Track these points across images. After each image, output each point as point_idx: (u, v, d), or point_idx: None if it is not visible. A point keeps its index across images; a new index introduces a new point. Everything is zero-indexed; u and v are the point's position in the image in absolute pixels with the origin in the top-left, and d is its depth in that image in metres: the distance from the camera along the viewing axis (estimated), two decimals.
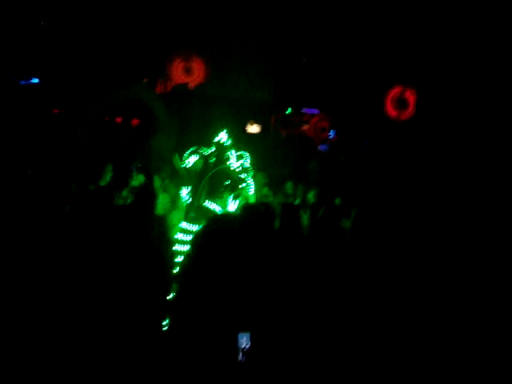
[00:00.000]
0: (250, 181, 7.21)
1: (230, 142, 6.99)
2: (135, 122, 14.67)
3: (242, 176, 7.08)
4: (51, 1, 14.41)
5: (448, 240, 5.90)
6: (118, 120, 14.80)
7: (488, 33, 13.94)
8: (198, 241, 4.04)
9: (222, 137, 6.93)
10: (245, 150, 7.41)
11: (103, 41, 15.18)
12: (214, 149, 6.90)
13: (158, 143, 12.61)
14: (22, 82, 15.17)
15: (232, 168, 6.93)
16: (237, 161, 7.10)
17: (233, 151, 7.03)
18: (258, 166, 10.82)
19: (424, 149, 13.92)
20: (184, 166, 7.01)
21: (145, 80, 15.08)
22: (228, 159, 6.94)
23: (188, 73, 15.93)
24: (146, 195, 5.52)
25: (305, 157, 14.00)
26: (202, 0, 14.92)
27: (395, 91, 16.46)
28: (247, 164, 7.29)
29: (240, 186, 6.96)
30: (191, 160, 7.00)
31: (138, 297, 4.12)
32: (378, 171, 12.84)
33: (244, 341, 3.60)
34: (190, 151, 7.06)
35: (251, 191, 7.25)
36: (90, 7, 14.65)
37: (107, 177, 7.68)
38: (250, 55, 15.81)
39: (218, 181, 6.66)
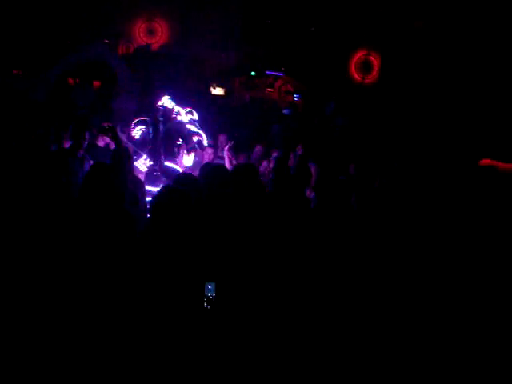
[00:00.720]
0: (202, 133, 7.36)
1: (173, 103, 7.19)
2: (96, 83, 14.42)
3: (193, 129, 7.25)
4: None
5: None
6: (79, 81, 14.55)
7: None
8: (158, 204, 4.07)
9: (165, 101, 7.14)
10: (208, 113, 7.63)
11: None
12: (159, 113, 7.06)
13: (120, 104, 12.47)
14: None
15: (182, 122, 7.16)
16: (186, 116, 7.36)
17: (181, 108, 7.28)
18: (222, 128, 10.86)
19: (388, 114, 14.00)
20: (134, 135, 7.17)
21: (106, 41, 14.79)
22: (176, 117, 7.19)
23: (151, 34, 15.71)
24: (123, 156, 5.47)
25: (268, 120, 14.00)
26: None
27: (359, 55, 16.48)
28: (196, 117, 7.51)
29: (193, 139, 7.11)
30: (137, 131, 7.22)
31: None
32: (344, 136, 12.89)
33: (210, 290, 3.75)
34: (134, 123, 7.21)
35: (204, 143, 7.40)
36: None
37: (68, 137, 7.58)
38: (215, 15, 15.62)
39: (171, 139, 6.77)
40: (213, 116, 12.31)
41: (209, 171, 5.49)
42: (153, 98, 7.65)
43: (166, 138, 6.86)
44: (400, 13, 15.27)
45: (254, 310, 4.03)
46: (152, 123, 7.10)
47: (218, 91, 15.73)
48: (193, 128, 7.35)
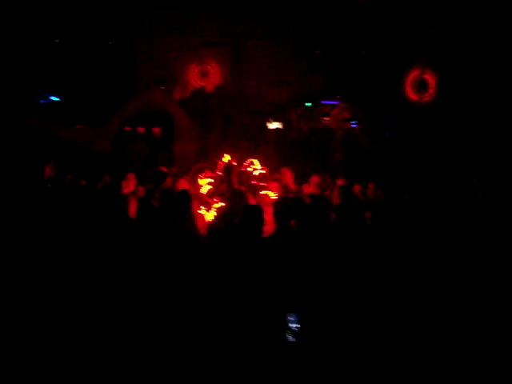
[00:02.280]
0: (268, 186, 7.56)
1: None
2: (156, 129, 14.74)
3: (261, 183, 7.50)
4: (62, 20, 14.53)
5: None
6: (140, 129, 14.90)
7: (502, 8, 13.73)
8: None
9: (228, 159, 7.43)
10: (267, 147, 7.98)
11: (117, 52, 15.31)
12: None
13: (181, 147, 12.68)
14: (43, 101, 15.33)
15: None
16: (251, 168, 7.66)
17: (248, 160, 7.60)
18: (283, 162, 10.83)
19: (447, 132, 13.76)
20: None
21: (162, 87, 15.16)
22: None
23: (204, 76, 15.99)
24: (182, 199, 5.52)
25: (329, 149, 13.94)
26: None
27: (414, 74, 16.29)
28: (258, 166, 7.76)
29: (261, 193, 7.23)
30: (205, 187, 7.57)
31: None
32: (406, 157, 12.71)
33: (293, 321, 3.66)
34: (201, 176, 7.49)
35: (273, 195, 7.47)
36: (101, 20, 14.78)
37: (130, 185, 7.72)
38: (265, 52, 15.81)
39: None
40: (273, 150, 12.38)
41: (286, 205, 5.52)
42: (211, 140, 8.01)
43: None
44: (450, 28, 15.08)
45: (340, 337, 3.94)
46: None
47: (275, 125, 15.79)
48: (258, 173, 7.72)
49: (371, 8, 14.80)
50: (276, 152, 12.56)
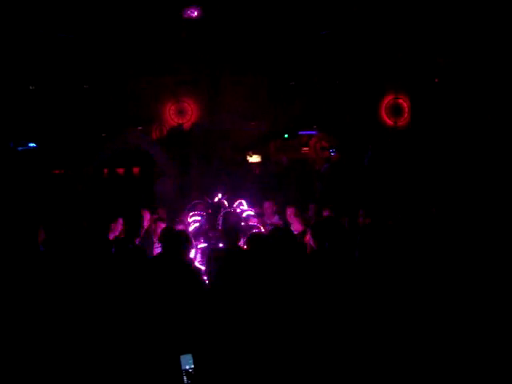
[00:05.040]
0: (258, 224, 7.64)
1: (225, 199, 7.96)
2: (136, 169, 14.71)
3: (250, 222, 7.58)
4: (36, 66, 14.56)
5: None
6: (119, 170, 14.87)
7: (474, 31, 13.96)
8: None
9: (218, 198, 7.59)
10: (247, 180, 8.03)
11: (92, 95, 15.33)
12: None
13: (161, 187, 12.63)
14: (20, 148, 15.26)
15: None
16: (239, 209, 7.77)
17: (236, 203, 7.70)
18: (265, 195, 10.84)
19: (426, 153, 13.86)
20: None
21: (139, 127, 15.18)
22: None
23: (181, 114, 16.04)
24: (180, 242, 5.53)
25: (309, 179, 13.97)
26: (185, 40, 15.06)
27: (388, 99, 16.48)
28: (246, 207, 7.86)
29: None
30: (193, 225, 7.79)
31: None
32: (386, 181, 12.77)
33: (187, 362, 3.66)
34: (190, 215, 7.53)
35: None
36: (74, 64, 14.81)
37: (118, 227, 7.65)
38: (240, 88, 15.93)
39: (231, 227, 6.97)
40: (252, 184, 12.37)
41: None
42: (191, 177, 8.04)
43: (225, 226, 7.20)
44: (420, 52, 15.31)
45: None
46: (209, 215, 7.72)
47: (254, 158, 15.86)
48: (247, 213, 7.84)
49: (341, 37, 15.00)
50: (257, 185, 12.57)
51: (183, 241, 5.48)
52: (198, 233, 7.59)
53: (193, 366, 3.65)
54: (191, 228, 7.69)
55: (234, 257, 5.47)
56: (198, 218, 7.86)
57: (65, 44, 14.46)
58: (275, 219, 8.97)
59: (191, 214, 8.01)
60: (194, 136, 15.04)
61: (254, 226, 7.65)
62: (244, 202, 8.49)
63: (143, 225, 7.38)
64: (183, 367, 3.65)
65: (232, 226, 6.56)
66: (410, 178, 12.60)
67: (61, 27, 14.12)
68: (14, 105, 14.39)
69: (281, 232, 5.71)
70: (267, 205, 9.54)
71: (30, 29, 13.73)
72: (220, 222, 7.40)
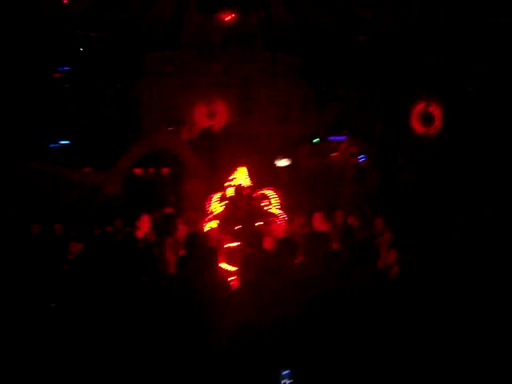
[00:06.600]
0: (279, 213, 7.41)
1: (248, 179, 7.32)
2: (165, 170, 14.82)
3: (272, 211, 7.32)
4: (70, 65, 14.76)
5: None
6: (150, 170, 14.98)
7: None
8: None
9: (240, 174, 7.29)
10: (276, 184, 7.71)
11: (124, 94, 15.47)
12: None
13: (190, 188, 12.69)
14: (52, 145, 15.48)
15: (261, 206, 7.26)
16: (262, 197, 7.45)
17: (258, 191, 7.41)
18: (293, 199, 10.83)
19: (456, 161, 13.74)
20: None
21: (170, 128, 15.27)
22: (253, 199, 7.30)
23: (212, 116, 16.10)
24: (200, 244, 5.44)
25: (337, 184, 13.94)
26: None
27: (419, 107, 16.33)
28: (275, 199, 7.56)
29: (271, 220, 7.15)
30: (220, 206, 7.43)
31: None
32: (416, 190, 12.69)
33: (286, 378, 3.59)
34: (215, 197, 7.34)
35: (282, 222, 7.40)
36: (107, 63, 14.97)
37: (144, 227, 7.71)
38: (271, 90, 15.95)
39: (252, 221, 6.86)
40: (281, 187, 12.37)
41: None
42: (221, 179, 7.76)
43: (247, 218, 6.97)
44: (454, 60, 15.15)
45: None
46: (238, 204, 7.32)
47: (283, 163, 15.85)
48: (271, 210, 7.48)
49: (375, 44, 14.92)
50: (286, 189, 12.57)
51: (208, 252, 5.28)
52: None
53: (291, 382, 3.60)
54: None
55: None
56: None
57: (98, 43, 14.63)
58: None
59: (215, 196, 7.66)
60: (223, 138, 15.09)
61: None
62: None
63: (173, 225, 7.39)
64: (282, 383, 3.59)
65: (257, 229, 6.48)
66: (439, 185, 12.52)
67: (94, 27, 14.30)
68: (47, 103, 14.62)
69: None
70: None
71: (65, 28, 13.91)
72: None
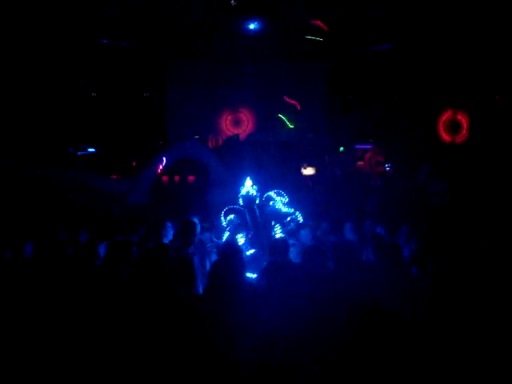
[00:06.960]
0: (295, 213, 7.37)
1: (256, 188, 7.41)
2: (191, 178, 14.87)
3: (287, 210, 7.30)
4: (99, 73, 14.94)
5: None
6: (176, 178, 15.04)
7: None
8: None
9: (248, 187, 7.27)
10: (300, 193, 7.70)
11: (151, 103, 15.63)
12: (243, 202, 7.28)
13: (215, 196, 12.69)
14: (80, 153, 15.67)
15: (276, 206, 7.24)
16: (277, 198, 7.41)
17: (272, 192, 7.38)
18: (316, 208, 10.80)
19: (484, 170, 13.59)
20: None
21: (196, 136, 15.36)
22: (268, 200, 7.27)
23: (237, 124, 16.18)
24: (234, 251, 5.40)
25: (363, 193, 13.84)
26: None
27: (446, 115, 16.23)
28: (286, 199, 7.52)
29: (289, 219, 7.12)
30: (228, 220, 7.35)
31: None
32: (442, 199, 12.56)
33: None
34: (224, 211, 7.34)
35: (300, 220, 7.36)
36: (135, 72, 15.14)
37: (169, 234, 7.73)
38: (298, 100, 15.98)
39: (268, 223, 6.84)
40: (305, 196, 12.32)
41: None
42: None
43: (265, 224, 6.93)
44: (481, 68, 15.04)
45: None
46: (248, 211, 7.21)
47: (308, 171, 15.83)
48: (286, 209, 7.43)
49: (401, 51, 14.88)
50: (309, 198, 12.53)
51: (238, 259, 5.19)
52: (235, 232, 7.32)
53: None
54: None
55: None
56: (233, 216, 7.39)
57: (126, 53, 14.81)
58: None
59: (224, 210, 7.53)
60: (249, 146, 15.14)
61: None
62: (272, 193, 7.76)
63: (196, 233, 7.37)
64: None
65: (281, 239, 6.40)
66: (467, 195, 12.37)
67: (123, 36, 14.47)
68: (76, 110, 14.81)
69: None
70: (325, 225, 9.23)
71: (93, 37, 14.10)
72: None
